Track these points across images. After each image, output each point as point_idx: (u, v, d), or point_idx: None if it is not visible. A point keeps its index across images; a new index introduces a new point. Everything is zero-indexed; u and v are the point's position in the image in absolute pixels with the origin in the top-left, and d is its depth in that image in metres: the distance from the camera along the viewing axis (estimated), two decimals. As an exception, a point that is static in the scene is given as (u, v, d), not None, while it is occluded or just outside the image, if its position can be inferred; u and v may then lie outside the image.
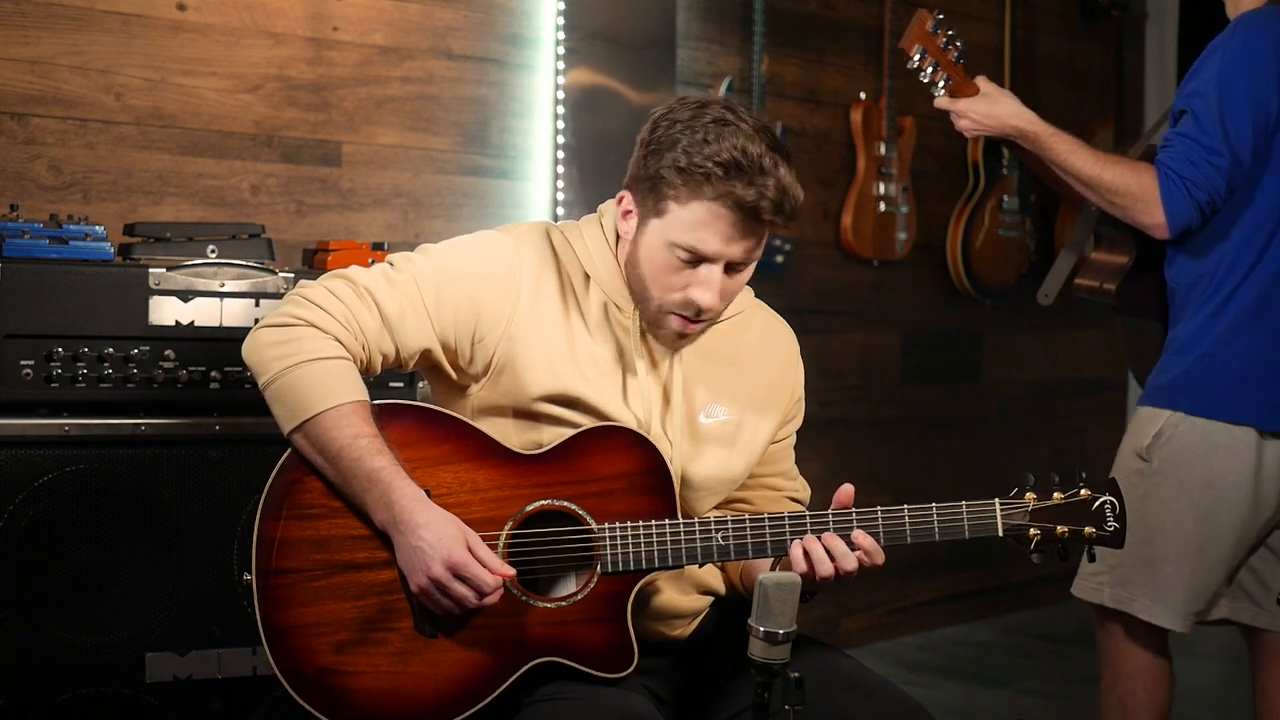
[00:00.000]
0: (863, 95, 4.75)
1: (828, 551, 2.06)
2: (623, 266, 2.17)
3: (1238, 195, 2.83)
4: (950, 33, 2.88)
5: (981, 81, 2.93)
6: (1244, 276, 2.84)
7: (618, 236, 2.19)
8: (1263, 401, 2.83)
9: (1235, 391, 2.83)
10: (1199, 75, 2.83)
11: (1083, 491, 2.14)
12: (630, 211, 2.14)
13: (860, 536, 2.07)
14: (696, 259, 2.07)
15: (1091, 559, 2.19)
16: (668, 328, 2.14)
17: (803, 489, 2.38)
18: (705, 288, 2.08)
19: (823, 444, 4.63)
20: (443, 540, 1.99)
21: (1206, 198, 2.77)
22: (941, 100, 2.90)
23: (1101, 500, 2.14)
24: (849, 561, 2.06)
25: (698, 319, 2.13)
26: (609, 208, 2.24)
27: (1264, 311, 2.84)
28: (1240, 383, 2.83)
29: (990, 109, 2.89)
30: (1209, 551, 2.86)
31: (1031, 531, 2.13)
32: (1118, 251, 3.03)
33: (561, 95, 3.93)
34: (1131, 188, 2.80)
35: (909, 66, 2.89)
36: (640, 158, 2.11)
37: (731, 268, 2.10)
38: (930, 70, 2.87)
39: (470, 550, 2.00)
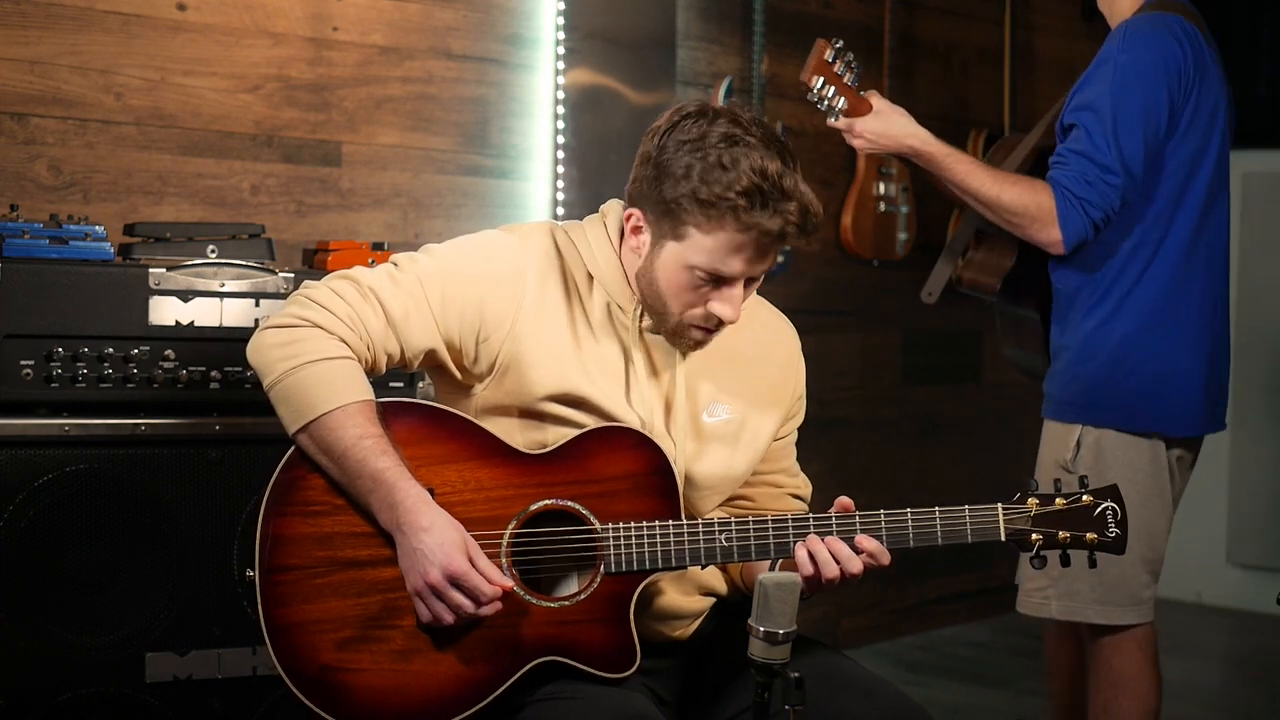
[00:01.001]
0: (863, 95, 4.74)
1: (832, 554, 2.06)
2: (632, 276, 2.17)
3: (1127, 206, 2.91)
4: (849, 58, 2.93)
5: (874, 98, 2.96)
6: (1134, 284, 2.93)
7: (621, 237, 2.20)
8: (1165, 412, 2.95)
9: (1143, 402, 2.94)
10: (1089, 88, 2.90)
11: (1085, 497, 2.15)
12: (641, 229, 2.13)
13: (864, 540, 2.07)
14: (719, 280, 2.08)
15: (1093, 565, 2.20)
16: (688, 338, 2.15)
17: (804, 485, 2.38)
18: (728, 303, 2.09)
19: (823, 444, 4.63)
20: (443, 546, 1.99)
21: (1101, 215, 2.85)
22: (837, 121, 2.94)
23: (1103, 506, 2.15)
24: (854, 564, 2.06)
25: (718, 329, 2.14)
26: (612, 208, 2.24)
27: (1159, 322, 2.93)
28: (1144, 393, 2.94)
29: (884, 128, 2.93)
30: (1143, 549, 2.97)
31: (1034, 536, 2.14)
32: (1001, 252, 3.09)
33: (561, 95, 3.93)
34: (1030, 208, 2.86)
35: (808, 98, 2.93)
36: (649, 178, 2.09)
37: (750, 280, 2.12)
38: (829, 96, 2.91)
39: (470, 560, 2.00)
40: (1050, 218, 2.85)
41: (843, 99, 2.92)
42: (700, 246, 2.06)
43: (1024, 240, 2.95)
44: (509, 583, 2.02)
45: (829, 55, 2.90)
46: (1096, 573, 2.63)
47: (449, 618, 2.01)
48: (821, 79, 2.90)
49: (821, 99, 2.91)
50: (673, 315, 2.12)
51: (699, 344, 2.16)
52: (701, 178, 2.03)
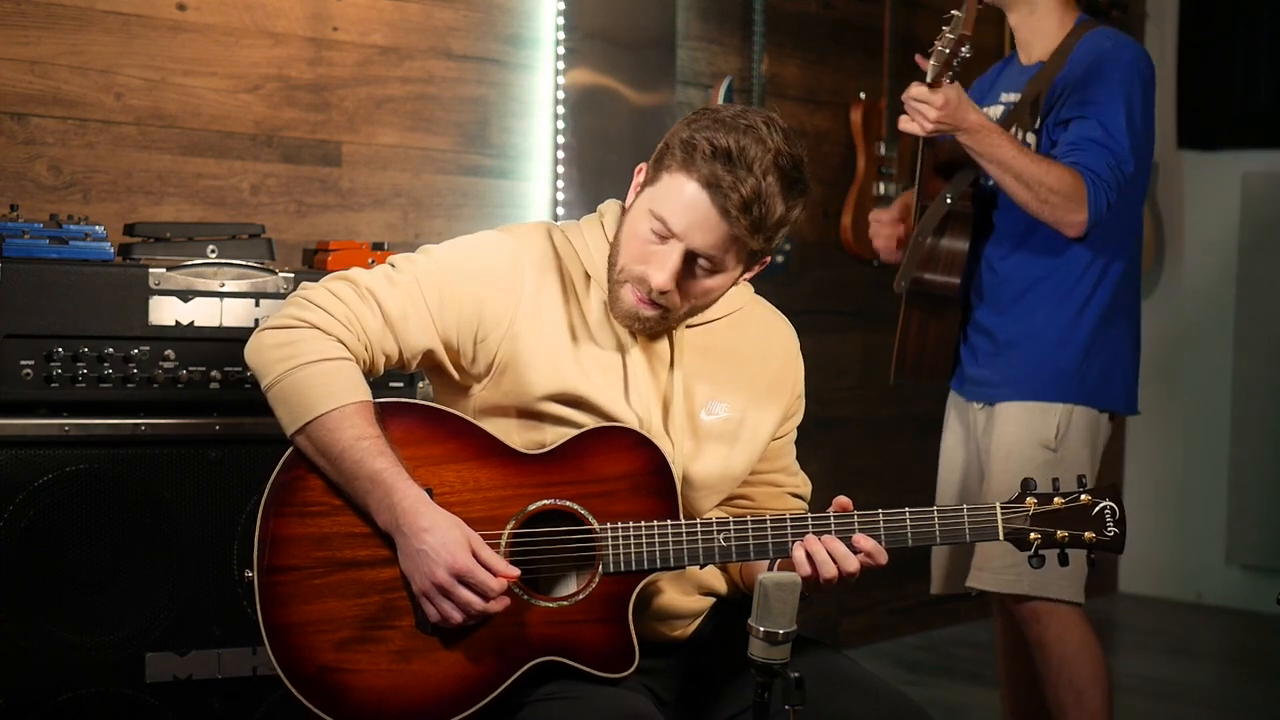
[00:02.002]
0: (863, 95, 4.75)
1: (829, 554, 2.06)
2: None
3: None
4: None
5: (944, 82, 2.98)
6: (1102, 274, 3.08)
7: (618, 237, 2.20)
8: (1124, 390, 3.16)
9: (1107, 382, 3.13)
10: (1099, 87, 3.00)
11: (1083, 496, 2.16)
12: (637, 186, 2.16)
13: (861, 539, 2.07)
14: (664, 235, 2.08)
15: (1091, 564, 2.21)
16: (624, 300, 2.12)
17: (803, 484, 2.39)
18: (660, 267, 2.08)
19: (823, 444, 4.63)
20: (446, 545, 1.99)
21: (1109, 202, 2.99)
22: (920, 90, 2.92)
23: (1102, 505, 2.16)
24: (850, 563, 2.06)
25: (653, 302, 2.11)
26: (609, 208, 2.24)
27: (1120, 309, 3.12)
28: (1110, 374, 3.13)
29: (959, 99, 2.93)
30: None
31: (1032, 535, 2.14)
32: (958, 239, 3.15)
33: (561, 95, 3.93)
34: (1067, 189, 2.94)
35: (943, 49, 2.86)
36: (657, 150, 2.14)
37: (694, 263, 2.09)
38: (946, 54, 2.86)
39: (474, 554, 2.00)
40: (1082, 200, 2.94)
41: (943, 71, 2.90)
42: (663, 189, 2.08)
43: (1040, 220, 3.01)
44: (514, 571, 2.02)
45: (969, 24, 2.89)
46: None
47: (458, 616, 2.01)
48: (966, 43, 2.88)
49: (955, 56, 2.86)
50: (616, 266, 2.13)
51: (635, 318, 2.13)
52: (696, 129, 2.07)
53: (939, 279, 3.15)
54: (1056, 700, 3.11)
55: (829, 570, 2.06)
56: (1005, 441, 3.11)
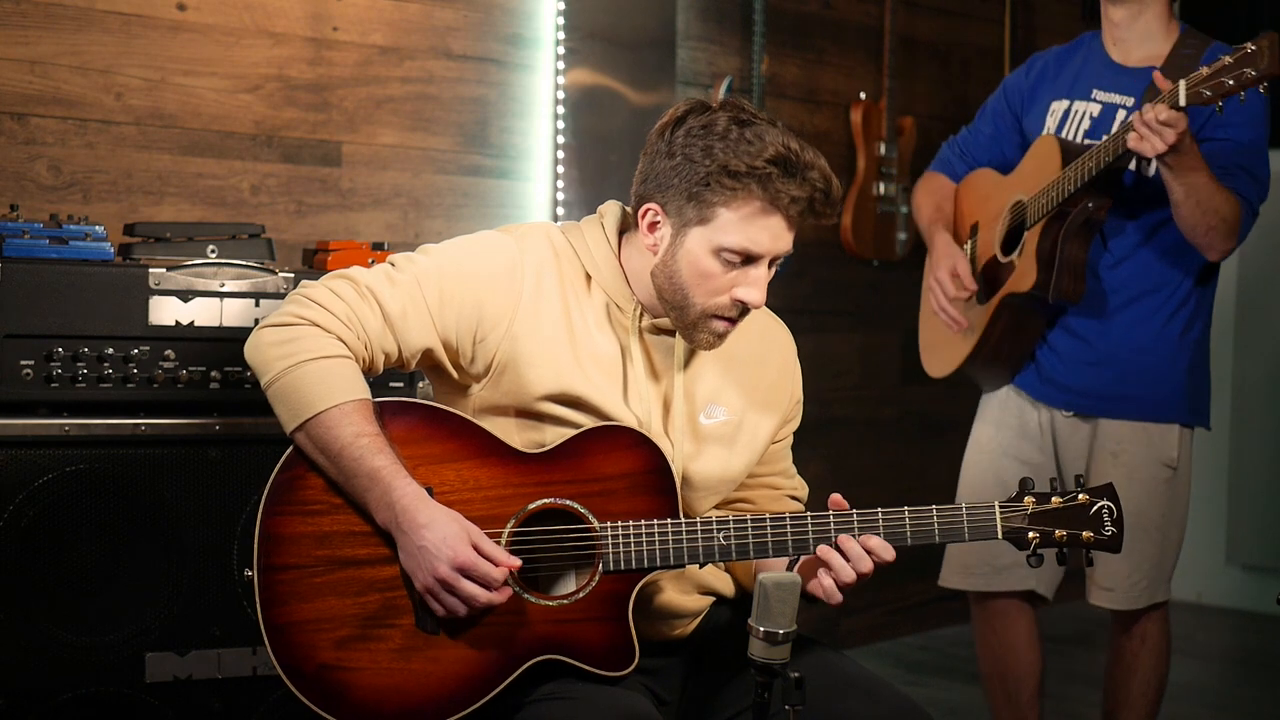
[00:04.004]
0: (863, 95, 4.75)
1: (844, 555, 2.07)
2: (634, 275, 2.17)
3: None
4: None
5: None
6: (1194, 289, 3.07)
7: (620, 238, 2.20)
8: (1207, 407, 3.18)
9: (1204, 400, 3.16)
10: (1241, 109, 2.88)
11: (1080, 496, 2.16)
12: (658, 224, 2.13)
13: (867, 539, 2.08)
14: (746, 259, 2.08)
15: (1089, 563, 2.22)
16: (710, 331, 2.14)
17: (801, 487, 2.39)
18: (754, 286, 2.10)
19: (823, 444, 4.63)
20: (447, 540, 1.99)
21: (1249, 229, 2.99)
22: (1170, 114, 2.75)
23: (1099, 505, 2.16)
24: (865, 563, 2.08)
25: (741, 317, 2.14)
26: (610, 209, 2.24)
27: (1204, 326, 3.13)
28: (1205, 391, 3.16)
29: (1188, 132, 2.82)
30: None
31: (1030, 535, 2.14)
32: (1080, 249, 3.06)
33: (561, 95, 3.93)
34: (1232, 216, 2.92)
35: (1251, 73, 2.68)
36: (666, 169, 2.10)
37: (773, 261, 2.12)
38: (1230, 85, 2.71)
39: (475, 546, 2.00)
40: (1237, 228, 2.94)
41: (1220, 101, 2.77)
42: (728, 225, 2.07)
43: (1192, 242, 2.97)
44: (515, 561, 2.02)
45: None
46: (1174, 554, 3.15)
47: (463, 609, 2.01)
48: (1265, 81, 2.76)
49: (1240, 90, 2.72)
50: (695, 307, 2.12)
51: (720, 336, 2.15)
52: (728, 152, 2.05)
53: (1069, 287, 3.05)
54: (1148, 688, 3.19)
55: (846, 575, 2.07)
56: (1127, 461, 3.07)
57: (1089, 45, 3.21)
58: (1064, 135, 3.13)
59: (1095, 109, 3.11)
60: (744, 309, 2.12)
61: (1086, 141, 3.07)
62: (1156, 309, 3.07)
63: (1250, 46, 2.69)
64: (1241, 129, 2.96)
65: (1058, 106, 3.18)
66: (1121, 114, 3.06)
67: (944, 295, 3.22)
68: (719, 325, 2.13)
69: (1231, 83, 2.70)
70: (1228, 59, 2.70)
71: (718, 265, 2.08)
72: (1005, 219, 3.16)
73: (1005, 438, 3.23)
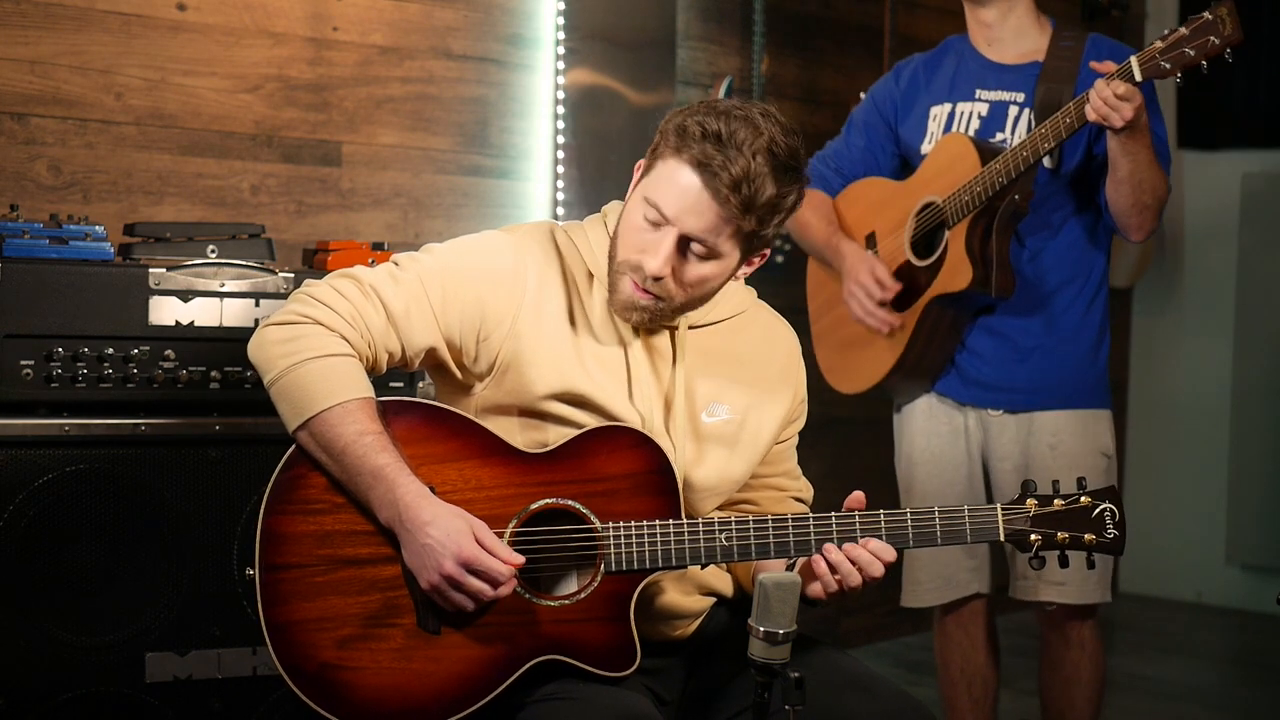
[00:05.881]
0: (863, 95, 4.74)
1: (852, 561, 2.07)
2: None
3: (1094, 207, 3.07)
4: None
5: None
6: (1104, 277, 3.12)
7: (617, 229, 2.20)
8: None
9: (1106, 382, 3.19)
10: (1158, 114, 2.99)
11: (1083, 498, 2.16)
12: (635, 181, 2.16)
13: (868, 542, 2.09)
14: (658, 221, 2.08)
15: (1091, 565, 2.22)
16: (622, 291, 2.13)
17: (805, 489, 2.39)
18: (654, 254, 2.08)
19: (823, 444, 4.62)
20: (451, 536, 1.99)
21: None
22: (1128, 88, 2.78)
23: (1102, 507, 2.16)
24: (876, 567, 2.08)
25: (649, 291, 2.11)
26: (613, 208, 2.24)
27: (1107, 312, 3.17)
28: (1106, 376, 3.19)
29: (1141, 106, 2.85)
30: None
31: (1033, 537, 2.14)
32: (1006, 241, 3.06)
33: (561, 95, 3.93)
34: (1162, 198, 2.97)
35: (1188, 46, 2.72)
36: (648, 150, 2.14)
37: (688, 248, 2.09)
38: (1191, 56, 2.73)
39: (480, 542, 2.00)
40: (1162, 209, 2.99)
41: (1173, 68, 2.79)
42: (656, 176, 2.09)
43: (1119, 224, 3.01)
44: (520, 559, 2.02)
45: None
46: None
47: (470, 605, 2.01)
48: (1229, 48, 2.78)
49: (1201, 60, 2.74)
50: (616, 258, 2.13)
51: (634, 308, 2.13)
52: (686, 113, 2.08)
53: (1005, 282, 3.04)
54: (1093, 694, 3.19)
55: (854, 579, 2.07)
56: (1067, 451, 3.07)
57: (958, 49, 3.23)
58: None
59: (983, 108, 3.12)
60: (645, 276, 2.09)
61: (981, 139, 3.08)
62: (1074, 298, 3.09)
63: (1207, 15, 2.71)
64: (1157, 121, 2.98)
65: (939, 111, 3.18)
66: (1014, 109, 3.08)
67: (869, 300, 3.15)
68: (628, 284, 2.11)
69: (1193, 53, 2.72)
70: (1184, 30, 2.73)
71: (640, 220, 2.09)
72: (912, 223, 3.13)
73: (936, 445, 3.20)
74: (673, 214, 2.06)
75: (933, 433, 3.21)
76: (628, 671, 2.08)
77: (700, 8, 4.34)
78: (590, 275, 2.19)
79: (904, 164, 3.32)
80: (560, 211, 3.89)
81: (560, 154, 3.92)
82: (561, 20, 3.92)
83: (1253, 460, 5.60)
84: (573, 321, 2.16)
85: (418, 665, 2.04)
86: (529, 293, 2.14)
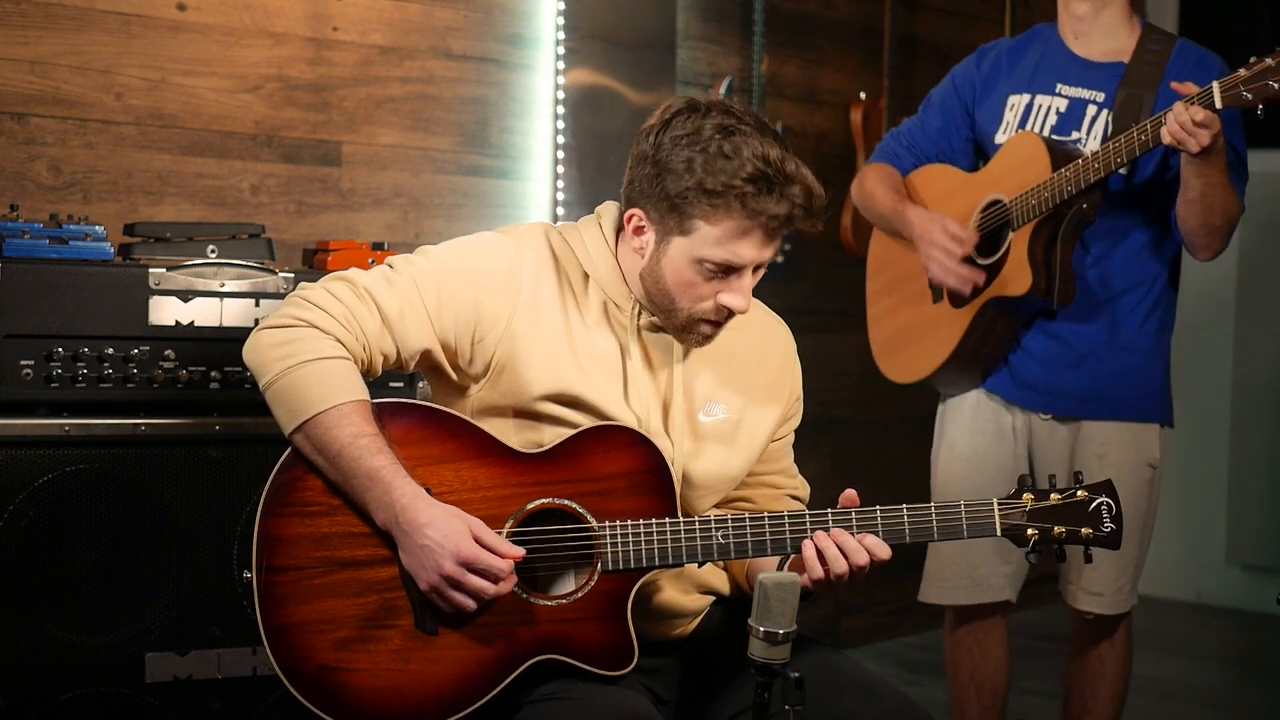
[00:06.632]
0: (863, 95, 4.75)
1: (840, 548, 2.07)
2: (631, 276, 2.17)
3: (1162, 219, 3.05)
4: None
5: None
6: (1165, 286, 3.10)
7: (617, 237, 2.20)
8: (1172, 407, 3.19)
9: (1169, 399, 3.17)
10: (1239, 132, 2.99)
11: (1079, 493, 2.16)
12: (643, 229, 2.13)
13: (863, 537, 2.08)
14: (728, 270, 2.09)
15: (1088, 560, 2.21)
16: (697, 333, 2.15)
17: (802, 487, 2.39)
18: (739, 294, 2.11)
19: (823, 444, 4.63)
20: (449, 536, 1.99)
21: None
22: (1207, 115, 2.74)
23: (1098, 501, 2.16)
24: (861, 556, 2.07)
25: (727, 320, 2.15)
26: (608, 208, 2.24)
27: (1172, 326, 3.16)
28: (1169, 391, 3.17)
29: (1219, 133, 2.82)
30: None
31: (1029, 532, 2.14)
32: (1070, 248, 3.04)
33: (561, 95, 3.93)
34: (1234, 219, 3.00)
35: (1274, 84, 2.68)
36: (649, 177, 2.09)
37: (758, 268, 2.12)
38: (1275, 89, 2.68)
39: (478, 539, 2.00)
40: (1233, 230, 3.02)
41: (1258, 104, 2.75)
42: (708, 238, 2.06)
43: (1189, 242, 3.01)
44: (520, 551, 2.02)
45: None
46: (1147, 555, 3.11)
47: (471, 604, 2.01)
48: None
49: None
50: (681, 311, 2.13)
51: (707, 338, 2.17)
52: (705, 169, 2.04)
53: (1067, 290, 3.02)
54: (1116, 692, 3.20)
55: (840, 565, 2.06)
56: (1114, 463, 3.03)
57: (1045, 38, 3.16)
58: (1029, 130, 3.08)
59: (1062, 104, 3.07)
60: (732, 315, 2.13)
61: (1056, 138, 3.04)
62: (1133, 307, 3.06)
63: None
64: (1237, 136, 2.96)
65: (1017, 100, 3.13)
66: (1092, 109, 3.04)
67: (949, 259, 3.08)
68: (705, 328, 2.15)
69: (1277, 86, 2.66)
70: (1269, 61, 2.66)
71: (700, 275, 2.09)
72: (977, 219, 3.10)
73: (981, 443, 3.19)
74: (750, 260, 2.08)
75: (979, 430, 3.20)
76: (625, 670, 2.08)
77: (700, 8, 4.34)
78: (585, 276, 2.19)
79: (977, 149, 3.27)
80: (560, 212, 3.89)
81: (560, 154, 3.92)
82: (561, 20, 3.92)
83: (1253, 460, 5.60)
84: (568, 323, 2.16)
85: (416, 666, 2.04)
86: (524, 294, 2.14)
